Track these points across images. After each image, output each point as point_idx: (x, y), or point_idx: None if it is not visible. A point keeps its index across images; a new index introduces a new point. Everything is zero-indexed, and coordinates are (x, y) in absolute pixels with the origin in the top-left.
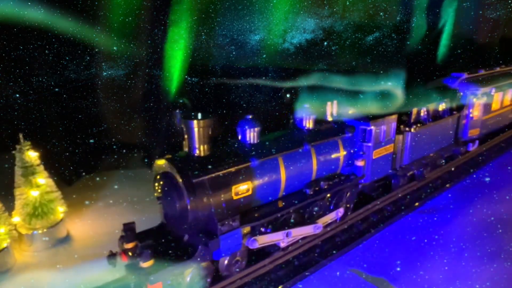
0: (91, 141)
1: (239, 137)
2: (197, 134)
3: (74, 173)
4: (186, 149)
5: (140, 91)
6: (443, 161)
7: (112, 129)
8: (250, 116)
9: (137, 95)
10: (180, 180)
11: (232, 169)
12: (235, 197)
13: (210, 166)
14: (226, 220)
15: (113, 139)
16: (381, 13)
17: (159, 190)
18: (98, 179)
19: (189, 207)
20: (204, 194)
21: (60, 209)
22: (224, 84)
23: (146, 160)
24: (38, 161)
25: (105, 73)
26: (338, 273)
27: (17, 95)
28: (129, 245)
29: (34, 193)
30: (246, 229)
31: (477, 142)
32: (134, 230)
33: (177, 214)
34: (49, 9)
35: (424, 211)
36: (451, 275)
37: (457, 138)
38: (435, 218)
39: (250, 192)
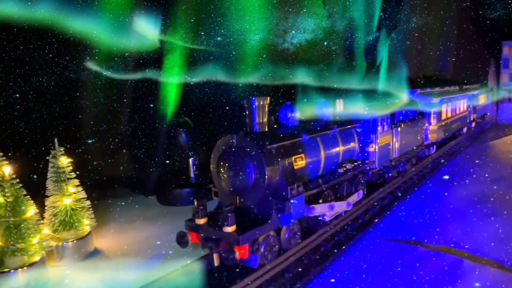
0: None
1: (280, 121)
2: (258, 111)
3: None
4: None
5: (133, 119)
6: (416, 158)
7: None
8: (290, 103)
9: (128, 126)
10: (257, 149)
11: (291, 141)
12: (295, 167)
13: (273, 138)
14: (293, 185)
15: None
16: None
17: (223, 170)
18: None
19: (266, 172)
20: (276, 161)
21: (86, 222)
22: (224, 84)
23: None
24: (70, 167)
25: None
26: (374, 241)
27: (17, 95)
28: (202, 221)
29: (67, 201)
30: None
31: (435, 146)
32: (206, 206)
33: (251, 183)
34: (49, 9)
35: (418, 197)
36: (465, 231)
37: (423, 142)
38: (432, 200)
39: (303, 165)
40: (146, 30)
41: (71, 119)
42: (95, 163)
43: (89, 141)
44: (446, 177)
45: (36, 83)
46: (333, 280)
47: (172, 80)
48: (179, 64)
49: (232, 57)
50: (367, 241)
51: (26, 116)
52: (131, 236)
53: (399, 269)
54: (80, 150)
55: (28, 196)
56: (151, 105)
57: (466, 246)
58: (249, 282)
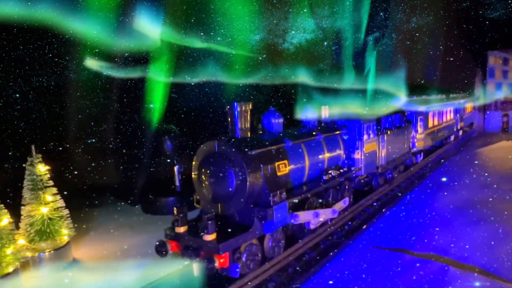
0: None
1: (264, 127)
2: (240, 116)
3: None
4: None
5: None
6: (403, 167)
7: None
8: (274, 109)
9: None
10: (238, 154)
11: (274, 147)
12: (278, 174)
13: (256, 144)
14: (276, 192)
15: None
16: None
17: (204, 177)
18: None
19: (248, 178)
20: (258, 168)
21: (65, 231)
22: (223, 84)
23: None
24: (48, 175)
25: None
26: (360, 249)
27: (17, 95)
28: (181, 229)
29: (44, 210)
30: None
31: (422, 154)
32: (186, 214)
33: (232, 190)
34: (49, 9)
35: (405, 203)
36: (454, 237)
37: (410, 149)
38: (418, 206)
39: (287, 171)
40: (144, 29)
41: (52, 124)
42: (92, 164)
43: (89, 141)
44: (444, 179)
45: (36, 83)
46: None
47: (161, 83)
48: (165, 69)
49: (222, 59)
50: (352, 249)
51: (26, 116)
52: (112, 246)
53: (383, 278)
54: (64, 155)
55: (2, 205)
56: (138, 111)
57: (455, 251)
58: (249, 282)
